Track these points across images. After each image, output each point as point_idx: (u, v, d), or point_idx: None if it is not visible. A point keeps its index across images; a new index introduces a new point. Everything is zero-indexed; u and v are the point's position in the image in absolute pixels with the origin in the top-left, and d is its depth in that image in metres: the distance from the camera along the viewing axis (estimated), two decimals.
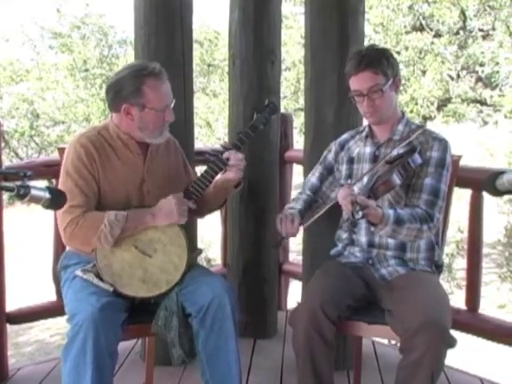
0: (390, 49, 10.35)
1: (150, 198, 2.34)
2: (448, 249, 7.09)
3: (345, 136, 2.55)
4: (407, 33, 10.57)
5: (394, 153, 2.29)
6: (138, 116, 2.28)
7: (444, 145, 2.30)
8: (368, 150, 2.42)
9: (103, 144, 2.31)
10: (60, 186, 2.27)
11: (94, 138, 2.30)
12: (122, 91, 2.26)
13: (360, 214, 2.02)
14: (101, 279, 2.19)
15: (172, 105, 2.32)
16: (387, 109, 2.32)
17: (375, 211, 2.08)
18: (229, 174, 2.36)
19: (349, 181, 2.42)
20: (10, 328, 3.01)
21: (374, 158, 2.38)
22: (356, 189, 2.24)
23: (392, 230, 2.14)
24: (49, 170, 2.91)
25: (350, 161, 2.46)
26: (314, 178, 2.54)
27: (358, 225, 2.36)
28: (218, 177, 2.38)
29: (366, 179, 2.25)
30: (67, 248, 2.42)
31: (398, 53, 10.48)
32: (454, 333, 2.08)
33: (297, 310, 2.25)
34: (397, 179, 2.11)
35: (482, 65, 10.18)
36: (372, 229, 2.33)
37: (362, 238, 2.38)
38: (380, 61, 2.28)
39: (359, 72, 2.28)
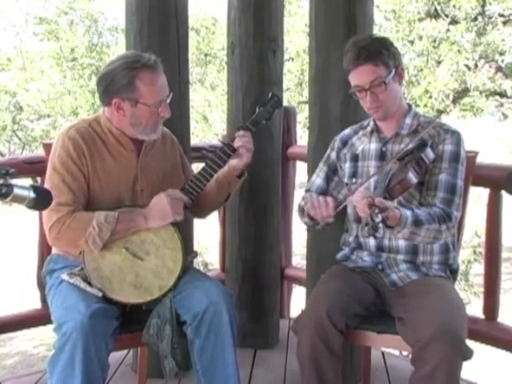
0: (402, 38, 10.38)
1: (144, 197, 2.35)
2: (464, 254, 7.07)
3: (347, 131, 2.55)
4: (421, 20, 10.58)
5: (405, 149, 2.29)
6: (130, 112, 2.28)
7: (457, 137, 2.30)
8: (374, 146, 2.42)
9: (94, 138, 2.32)
10: (46, 183, 2.28)
11: (83, 130, 2.31)
12: (113, 84, 2.26)
13: (380, 217, 2.01)
14: (89, 283, 2.19)
15: (168, 100, 2.32)
16: (392, 102, 2.32)
17: (393, 213, 2.07)
18: (234, 160, 2.36)
19: (353, 180, 2.42)
20: None
21: (381, 155, 2.38)
22: (363, 189, 2.25)
23: (410, 232, 2.14)
24: (33, 167, 2.92)
25: (354, 158, 2.46)
26: (319, 179, 2.53)
27: (379, 229, 2.34)
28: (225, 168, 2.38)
29: (375, 178, 2.25)
30: (53, 251, 2.42)
31: (412, 42, 10.49)
32: (470, 343, 2.08)
33: (301, 318, 2.25)
34: (413, 177, 2.11)
35: (502, 53, 10.18)
36: (381, 233, 2.33)
37: (371, 242, 2.38)
38: (380, 51, 2.28)
39: (358, 66, 2.28)
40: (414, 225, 2.13)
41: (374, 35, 2.43)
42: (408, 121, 2.37)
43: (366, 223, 2.05)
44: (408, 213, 2.14)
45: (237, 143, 2.33)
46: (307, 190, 2.55)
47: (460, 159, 2.29)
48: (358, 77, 2.30)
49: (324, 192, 2.50)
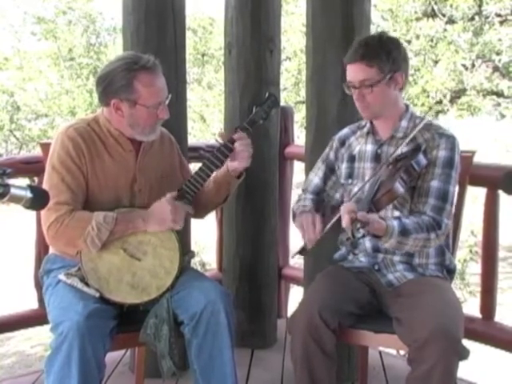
0: (399, 38, 10.37)
1: (141, 197, 2.35)
2: (460, 254, 7.07)
3: (345, 131, 2.53)
4: (418, 19, 10.58)
5: (397, 152, 2.28)
6: (129, 112, 2.28)
7: (452, 142, 2.27)
8: (369, 148, 2.40)
9: (93, 137, 2.31)
10: (45, 182, 2.28)
11: (82, 130, 2.31)
12: (112, 85, 2.26)
13: (361, 232, 2.00)
14: (86, 284, 2.19)
15: (167, 101, 2.32)
16: (380, 106, 2.29)
17: (378, 224, 2.07)
18: (235, 163, 2.37)
19: (349, 181, 2.41)
20: None
21: (376, 157, 2.36)
22: (356, 189, 2.24)
23: (397, 242, 2.13)
24: (30, 167, 2.91)
25: (351, 159, 2.45)
26: (317, 178, 2.52)
27: (359, 246, 2.35)
28: (215, 173, 2.38)
29: (367, 185, 2.24)
30: (50, 251, 2.42)
31: (409, 41, 10.49)
32: (467, 343, 2.08)
33: (295, 317, 2.25)
34: (400, 188, 2.08)
35: (498, 53, 10.18)
36: (361, 250, 2.34)
37: (367, 243, 2.37)
38: (378, 54, 2.24)
39: (353, 62, 2.27)
40: (401, 235, 2.12)
41: (384, 35, 2.37)
42: (404, 123, 2.34)
43: (347, 238, 2.04)
44: (395, 223, 2.12)
45: (238, 147, 2.34)
46: (304, 190, 2.55)
47: (454, 165, 2.26)
48: (351, 72, 2.29)
49: (321, 191, 2.50)
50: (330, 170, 2.51)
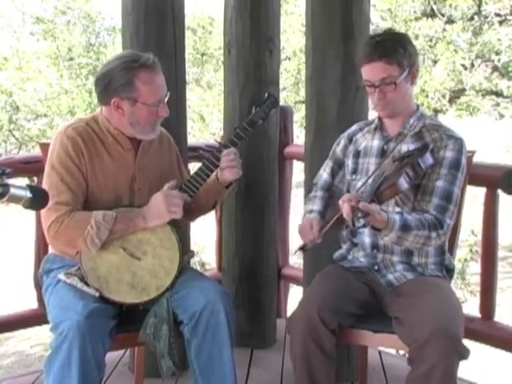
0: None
1: (141, 196, 2.35)
2: (460, 253, 7.07)
3: (354, 128, 2.54)
4: (417, 19, 10.57)
5: (404, 149, 2.28)
6: (130, 111, 2.28)
7: (459, 144, 2.28)
8: (376, 143, 2.41)
9: (92, 137, 2.31)
10: (44, 182, 2.28)
11: (82, 129, 2.30)
12: (112, 84, 2.26)
13: (361, 221, 2.01)
14: (86, 283, 2.19)
15: (166, 99, 2.32)
16: (400, 102, 2.30)
17: (379, 216, 2.07)
18: (226, 174, 2.37)
19: (353, 176, 2.42)
20: None
21: (382, 153, 2.37)
22: (360, 183, 2.24)
23: (397, 236, 2.13)
24: (29, 167, 2.91)
25: (356, 154, 2.45)
26: (325, 173, 2.55)
27: (359, 234, 2.36)
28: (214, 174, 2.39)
29: (372, 178, 2.24)
30: (50, 251, 2.42)
31: None
32: (467, 342, 2.08)
33: (294, 317, 2.25)
34: (404, 183, 2.08)
35: (498, 53, 10.17)
36: (359, 239, 2.34)
37: (366, 239, 2.37)
38: (396, 49, 2.24)
39: (371, 61, 2.25)
40: (402, 229, 2.12)
41: (394, 30, 2.39)
42: (412, 121, 2.35)
43: (346, 226, 2.05)
44: (396, 217, 2.13)
45: (222, 164, 2.34)
46: (315, 184, 2.58)
47: (460, 167, 2.27)
48: (370, 72, 2.27)
49: (330, 187, 2.53)
50: (338, 166, 2.53)
